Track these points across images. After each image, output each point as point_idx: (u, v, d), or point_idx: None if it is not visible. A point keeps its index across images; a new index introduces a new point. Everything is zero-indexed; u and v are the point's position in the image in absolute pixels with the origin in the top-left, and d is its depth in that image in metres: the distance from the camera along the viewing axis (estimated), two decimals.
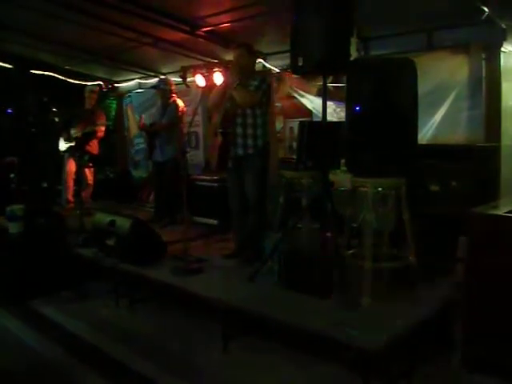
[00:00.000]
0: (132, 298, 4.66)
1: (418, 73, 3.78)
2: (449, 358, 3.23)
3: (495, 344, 3.10)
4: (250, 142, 4.66)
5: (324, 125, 4.14)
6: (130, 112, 9.51)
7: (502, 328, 3.16)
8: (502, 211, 3.52)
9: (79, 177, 7.17)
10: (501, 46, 5.10)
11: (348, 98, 3.84)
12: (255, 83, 4.63)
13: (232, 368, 3.52)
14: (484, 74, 5.37)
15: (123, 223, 4.90)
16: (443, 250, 3.76)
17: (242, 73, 4.62)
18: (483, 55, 5.26)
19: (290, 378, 3.38)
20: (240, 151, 4.70)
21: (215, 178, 6.45)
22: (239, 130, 4.69)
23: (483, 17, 4.62)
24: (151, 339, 4.01)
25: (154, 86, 7.42)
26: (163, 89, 6.72)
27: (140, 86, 9.18)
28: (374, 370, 3.07)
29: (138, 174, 9.35)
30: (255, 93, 4.61)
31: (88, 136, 7.20)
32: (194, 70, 7.10)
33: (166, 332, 4.11)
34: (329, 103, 6.12)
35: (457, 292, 3.21)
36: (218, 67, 6.66)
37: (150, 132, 6.88)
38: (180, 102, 6.73)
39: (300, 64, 3.94)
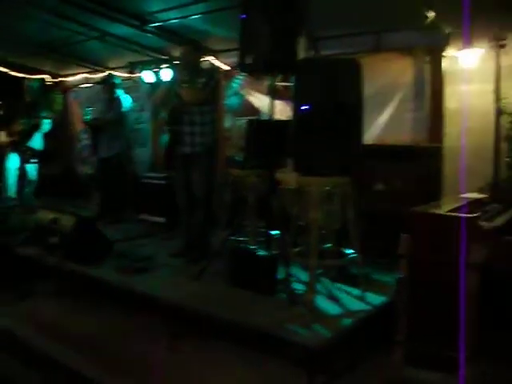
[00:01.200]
0: (75, 297, 4.54)
1: (365, 74, 3.84)
2: (392, 353, 3.28)
3: (438, 339, 3.18)
4: (197, 139, 4.62)
5: (272, 123, 4.15)
6: (75, 107, 9.30)
7: (445, 324, 3.23)
8: (443, 210, 3.62)
9: (22, 173, 6.95)
10: (444, 50, 5.25)
11: (295, 97, 3.86)
12: (203, 80, 4.60)
13: (179, 367, 3.45)
14: (428, 77, 5.51)
15: (67, 221, 4.79)
16: (386, 248, 3.83)
17: (190, 70, 4.58)
18: (427, 58, 5.40)
19: (239, 375, 3.34)
20: (187, 149, 4.65)
21: (162, 175, 6.38)
22: (186, 128, 4.64)
23: (428, 21, 4.74)
24: (94, 339, 3.91)
25: (99, 82, 7.25)
26: (109, 84, 6.61)
27: (87, 80, 8.98)
28: (319, 366, 3.10)
29: (84, 170, 9.13)
30: (202, 90, 4.58)
31: (31, 130, 7.00)
32: (142, 65, 7.01)
33: (111, 332, 4.01)
34: (277, 102, 6.14)
35: (399, 288, 3.27)
36: (167, 63, 6.59)
37: (95, 127, 6.74)
38: (127, 98, 6.64)
39: (248, 62, 3.94)
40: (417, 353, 3.21)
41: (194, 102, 4.56)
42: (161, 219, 6.36)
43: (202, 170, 4.63)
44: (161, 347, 3.67)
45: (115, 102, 6.54)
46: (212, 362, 3.51)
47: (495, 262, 3.13)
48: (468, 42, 5.02)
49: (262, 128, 4.43)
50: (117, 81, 6.69)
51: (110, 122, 6.48)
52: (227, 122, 6.86)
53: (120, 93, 6.66)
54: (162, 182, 6.37)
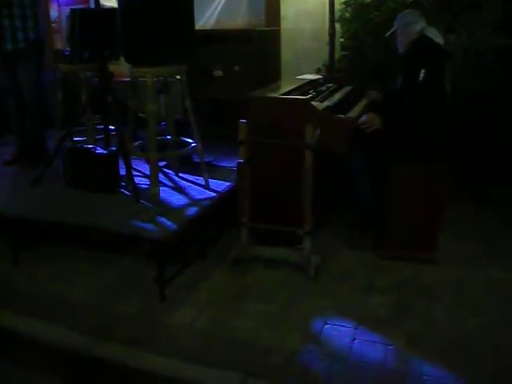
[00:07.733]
0: None
1: None
2: (238, 234, 3.40)
3: (279, 218, 3.34)
4: (19, 35, 4.19)
5: (98, 12, 3.83)
6: None
7: (284, 202, 3.40)
8: (279, 93, 3.66)
9: None
10: None
11: None
12: None
13: (25, 279, 3.34)
14: None
15: None
16: (228, 134, 3.84)
17: None
18: None
19: (90, 278, 3.32)
20: (9, 46, 4.22)
21: None
22: (6, 22, 4.17)
23: None
24: None
25: None
26: None
27: None
28: (169, 257, 3.13)
29: None
30: None
31: None
32: None
33: None
34: None
35: (240, 173, 3.32)
36: None
37: None
38: None
39: None
40: (261, 232, 3.36)
41: None
42: None
43: (28, 69, 4.25)
44: (4, 262, 3.50)
45: None
46: (61, 269, 3.45)
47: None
48: None
49: (87, 18, 4.05)
50: None
51: None
52: (53, 14, 6.30)
53: None
54: None
